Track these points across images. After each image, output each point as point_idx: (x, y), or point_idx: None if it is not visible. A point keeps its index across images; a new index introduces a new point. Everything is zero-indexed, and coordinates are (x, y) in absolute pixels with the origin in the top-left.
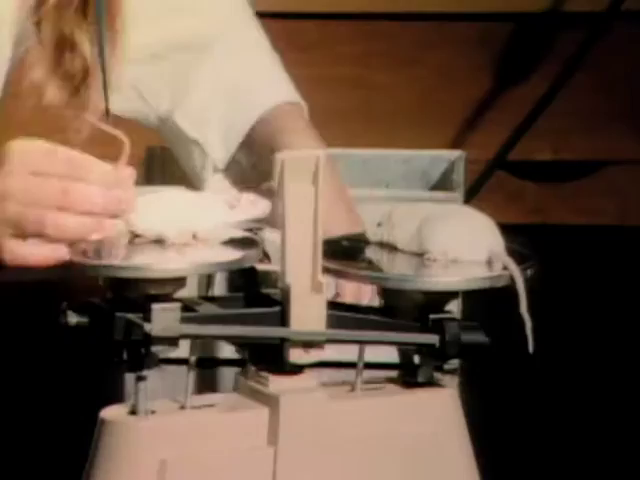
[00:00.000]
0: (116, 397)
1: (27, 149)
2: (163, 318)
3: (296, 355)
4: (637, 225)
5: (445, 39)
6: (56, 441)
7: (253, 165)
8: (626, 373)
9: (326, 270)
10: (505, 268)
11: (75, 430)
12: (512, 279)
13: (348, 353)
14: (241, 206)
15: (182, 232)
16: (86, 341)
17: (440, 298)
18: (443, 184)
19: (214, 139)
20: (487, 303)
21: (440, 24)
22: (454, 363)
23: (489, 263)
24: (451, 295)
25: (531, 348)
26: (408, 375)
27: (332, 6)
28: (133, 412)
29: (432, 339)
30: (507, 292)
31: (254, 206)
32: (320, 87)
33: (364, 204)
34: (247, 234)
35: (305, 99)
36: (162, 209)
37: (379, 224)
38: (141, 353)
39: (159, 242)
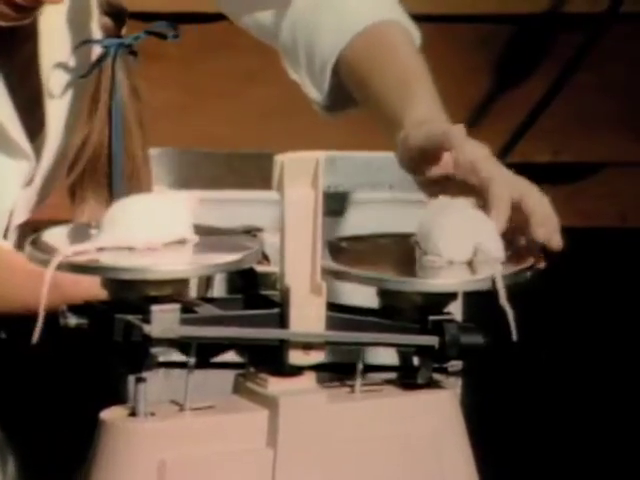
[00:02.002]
0: (118, 398)
1: None
2: (162, 320)
3: (295, 357)
4: (636, 227)
5: (444, 41)
6: (57, 442)
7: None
8: (627, 374)
9: (325, 272)
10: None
11: (75, 431)
12: (511, 280)
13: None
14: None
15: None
16: (86, 343)
17: (439, 300)
18: None
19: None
20: (487, 304)
21: (439, 26)
22: (457, 365)
23: (488, 264)
24: (450, 297)
25: (515, 336)
26: (407, 377)
27: None
28: (133, 414)
29: (431, 341)
30: (508, 293)
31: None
32: None
33: (366, 206)
34: (245, 235)
35: (307, 101)
36: (128, 218)
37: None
38: (140, 355)
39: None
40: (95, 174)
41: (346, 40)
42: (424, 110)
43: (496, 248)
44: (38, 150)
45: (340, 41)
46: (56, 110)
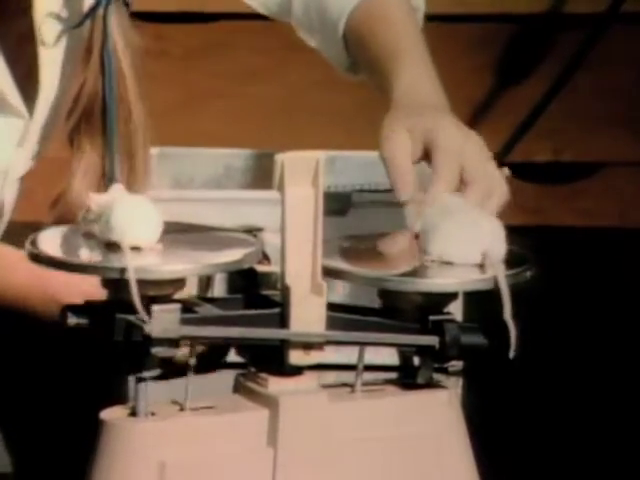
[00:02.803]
0: (118, 398)
1: None
2: (163, 319)
3: (296, 357)
4: (636, 227)
5: (445, 40)
6: (57, 442)
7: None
8: (627, 375)
9: (326, 271)
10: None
11: (76, 431)
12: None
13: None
14: None
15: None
16: (86, 342)
17: (440, 300)
18: None
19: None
20: (488, 305)
21: (440, 25)
22: (458, 365)
23: (488, 265)
24: (451, 296)
25: (512, 354)
26: (407, 377)
27: None
28: (133, 413)
29: (432, 341)
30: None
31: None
32: (322, 88)
33: (366, 206)
34: (246, 235)
35: (307, 101)
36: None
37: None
38: (141, 354)
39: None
40: (90, 122)
41: (353, 4)
42: (408, 80)
43: (502, 250)
44: (31, 106)
45: (347, 5)
46: (49, 60)
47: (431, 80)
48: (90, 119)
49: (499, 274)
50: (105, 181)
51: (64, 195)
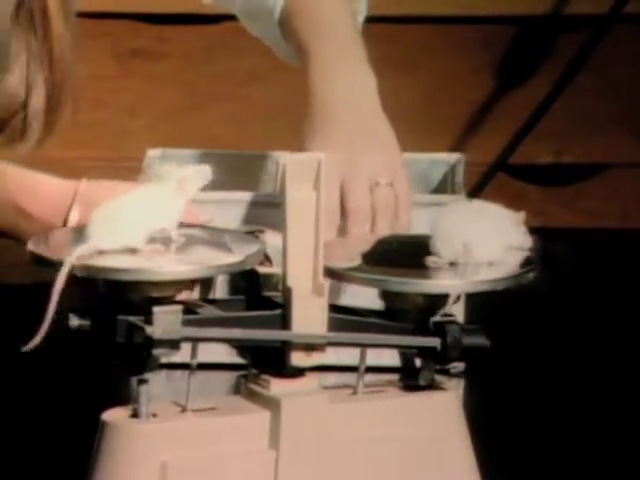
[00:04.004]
0: (120, 399)
1: None
2: (164, 321)
3: (297, 358)
4: (639, 228)
5: (447, 42)
6: (58, 443)
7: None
8: (629, 376)
9: (327, 273)
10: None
11: (77, 433)
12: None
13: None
14: (186, 185)
15: (150, 238)
16: (88, 344)
17: (441, 301)
18: (443, 187)
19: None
20: (489, 305)
21: (441, 27)
22: (459, 366)
23: (491, 265)
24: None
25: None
26: (409, 378)
27: None
28: (135, 415)
29: (433, 342)
30: (509, 294)
31: (197, 179)
32: None
33: None
34: (248, 236)
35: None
36: (119, 217)
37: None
38: (142, 356)
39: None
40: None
41: None
42: (317, 80)
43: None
44: None
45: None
46: None
47: (340, 82)
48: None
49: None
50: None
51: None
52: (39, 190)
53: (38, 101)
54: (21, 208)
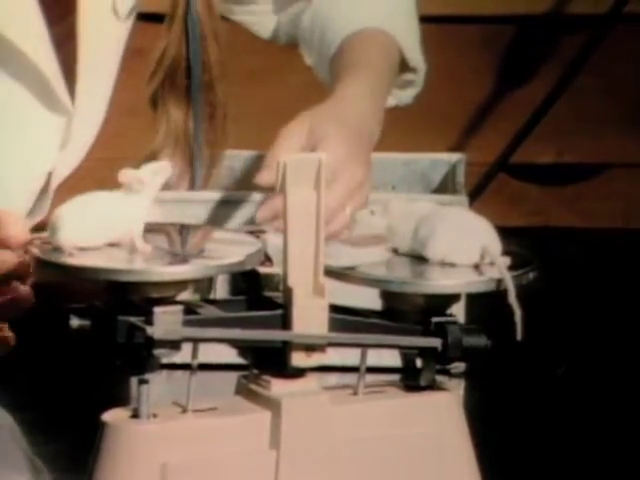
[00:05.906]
0: (121, 400)
1: None
2: (165, 321)
3: (298, 358)
4: None
5: (447, 42)
6: (59, 444)
7: None
8: (630, 377)
9: (328, 273)
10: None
11: (77, 433)
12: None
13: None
14: (145, 186)
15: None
16: (88, 344)
17: (442, 301)
18: (444, 187)
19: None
20: (490, 305)
21: (442, 26)
22: (460, 367)
23: (490, 265)
24: (453, 298)
25: (519, 336)
26: (410, 379)
27: None
28: (135, 415)
29: (434, 342)
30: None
31: (159, 175)
32: (322, 90)
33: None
34: (248, 236)
35: (308, 102)
36: (88, 218)
37: (372, 212)
38: (143, 356)
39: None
40: (174, 85)
41: (351, 29)
42: (350, 90)
43: (499, 245)
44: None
45: (346, 28)
46: (90, 55)
47: (369, 102)
48: (173, 82)
49: (499, 264)
50: (187, 139)
51: (152, 154)
52: None
53: None
54: None
